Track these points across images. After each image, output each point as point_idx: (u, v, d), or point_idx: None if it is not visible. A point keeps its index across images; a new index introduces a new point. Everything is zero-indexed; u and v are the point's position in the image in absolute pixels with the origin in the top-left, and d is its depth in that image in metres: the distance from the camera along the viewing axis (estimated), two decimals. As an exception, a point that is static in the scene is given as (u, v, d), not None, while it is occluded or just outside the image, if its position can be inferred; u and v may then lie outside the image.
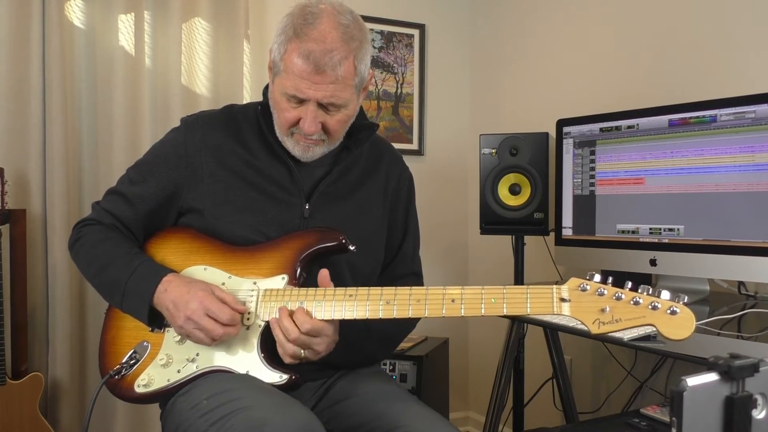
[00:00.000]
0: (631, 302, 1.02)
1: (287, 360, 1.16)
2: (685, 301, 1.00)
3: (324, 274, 1.19)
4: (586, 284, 1.05)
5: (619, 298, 1.03)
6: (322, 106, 1.22)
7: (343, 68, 1.18)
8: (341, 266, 1.31)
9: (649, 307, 1.00)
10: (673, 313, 0.99)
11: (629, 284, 1.04)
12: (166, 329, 1.25)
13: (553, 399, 2.26)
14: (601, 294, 1.04)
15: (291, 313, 1.15)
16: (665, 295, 1.01)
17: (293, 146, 1.28)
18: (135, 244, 1.31)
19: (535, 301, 1.08)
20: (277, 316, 1.17)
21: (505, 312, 1.09)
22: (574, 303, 1.05)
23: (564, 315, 1.05)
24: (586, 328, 1.04)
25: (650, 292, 1.02)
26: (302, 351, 1.15)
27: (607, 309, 1.02)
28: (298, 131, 1.25)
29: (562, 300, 1.06)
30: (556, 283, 2.23)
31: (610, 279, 1.05)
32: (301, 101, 1.21)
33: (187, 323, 1.16)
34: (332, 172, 1.33)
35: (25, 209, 2.16)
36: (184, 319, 1.16)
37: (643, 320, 1.00)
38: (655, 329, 1.00)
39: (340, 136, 1.30)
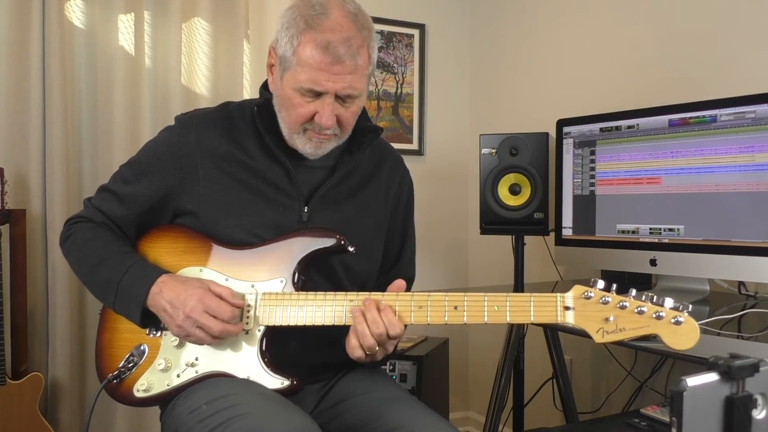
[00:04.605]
0: (635, 311, 1.02)
1: (358, 353, 1.14)
2: (690, 309, 0.99)
3: (399, 284, 1.18)
4: (590, 292, 1.05)
5: (623, 307, 1.02)
6: (339, 98, 1.19)
7: (361, 57, 1.17)
8: (338, 269, 1.30)
9: (653, 316, 1.00)
10: (677, 323, 0.99)
11: (633, 291, 1.03)
12: (164, 333, 1.23)
13: (553, 399, 2.26)
14: (605, 302, 1.04)
15: (379, 308, 1.13)
16: (669, 303, 1.00)
17: (304, 144, 1.24)
18: (126, 243, 1.28)
19: (539, 309, 1.08)
20: (280, 323, 1.17)
21: (508, 320, 1.09)
22: (578, 311, 1.05)
23: (568, 324, 1.06)
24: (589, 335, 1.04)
25: (654, 300, 1.01)
26: (377, 347, 1.13)
27: (611, 318, 1.02)
28: (312, 127, 1.21)
29: (566, 308, 1.06)
30: (557, 283, 2.21)
31: (614, 286, 1.04)
32: (318, 94, 1.18)
33: (186, 322, 1.14)
34: (334, 176, 1.30)
35: (25, 209, 2.16)
36: (183, 317, 1.14)
37: (647, 330, 1.00)
38: (658, 339, 1.00)
39: (350, 129, 1.27)
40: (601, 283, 1.05)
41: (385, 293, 1.16)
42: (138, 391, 1.22)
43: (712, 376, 0.74)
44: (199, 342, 1.18)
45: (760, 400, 0.77)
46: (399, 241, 1.45)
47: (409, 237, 1.47)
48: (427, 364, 2.20)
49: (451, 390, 2.53)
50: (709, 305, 1.62)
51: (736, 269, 1.60)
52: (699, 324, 1.29)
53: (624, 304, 1.02)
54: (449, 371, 2.52)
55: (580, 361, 2.42)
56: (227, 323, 1.15)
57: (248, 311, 1.20)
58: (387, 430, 1.18)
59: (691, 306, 1.00)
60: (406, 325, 1.16)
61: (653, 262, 1.76)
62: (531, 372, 2.33)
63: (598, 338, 1.03)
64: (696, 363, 1.20)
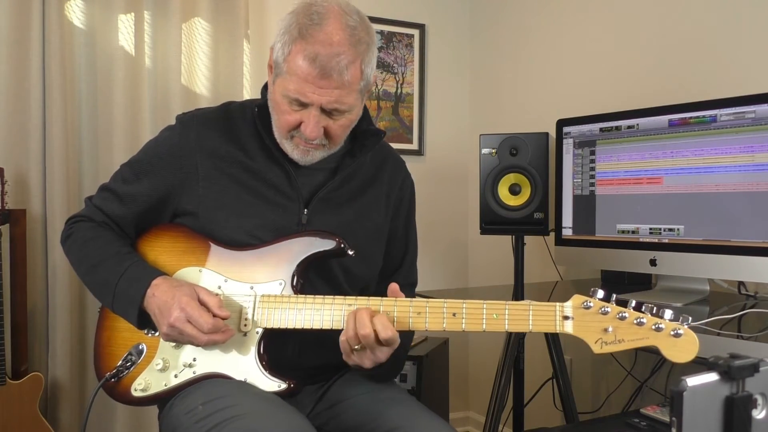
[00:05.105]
0: (635, 322, 1.02)
1: (352, 359, 1.14)
2: (689, 322, 1.00)
3: (394, 288, 1.17)
4: (590, 302, 1.05)
5: (622, 318, 1.03)
6: (325, 111, 1.18)
7: (349, 73, 1.14)
8: (337, 272, 1.29)
9: (653, 328, 1.01)
10: (677, 335, 0.99)
11: (633, 302, 1.04)
12: None
13: (553, 399, 2.26)
14: (605, 313, 1.04)
15: (372, 313, 1.12)
16: (669, 315, 1.00)
17: (292, 149, 1.24)
18: (126, 243, 1.28)
19: (538, 318, 1.08)
20: (278, 326, 1.17)
21: (506, 329, 1.09)
22: (577, 321, 1.05)
23: (566, 333, 1.06)
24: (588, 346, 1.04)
25: (654, 311, 1.01)
26: (365, 350, 1.12)
27: (610, 329, 1.03)
28: (299, 135, 1.21)
29: (565, 318, 1.06)
30: (557, 283, 2.21)
31: (614, 296, 1.05)
32: (304, 105, 1.17)
33: (170, 330, 1.14)
34: (335, 179, 1.30)
35: (25, 209, 2.17)
36: (167, 326, 1.13)
37: (646, 341, 1.01)
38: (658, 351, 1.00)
39: (341, 141, 1.27)
40: (600, 293, 1.05)
41: (383, 299, 1.15)
42: (135, 390, 1.21)
43: (712, 376, 0.74)
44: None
45: (760, 400, 0.77)
46: (400, 244, 1.43)
47: (411, 241, 1.46)
48: (427, 364, 2.20)
49: (451, 390, 2.53)
50: (709, 305, 1.62)
51: (736, 269, 1.60)
52: (699, 324, 1.30)
53: (623, 315, 1.02)
54: (449, 371, 2.52)
55: (580, 361, 2.41)
56: (212, 333, 1.13)
57: (246, 313, 1.19)
58: (385, 431, 1.17)
59: (690, 318, 1.00)
60: (406, 332, 1.15)
61: (653, 262, 1.76)
62: (531, 372, 2.33)
63: (596, 349, 1.04)
64: (696, 363, 1.20)
